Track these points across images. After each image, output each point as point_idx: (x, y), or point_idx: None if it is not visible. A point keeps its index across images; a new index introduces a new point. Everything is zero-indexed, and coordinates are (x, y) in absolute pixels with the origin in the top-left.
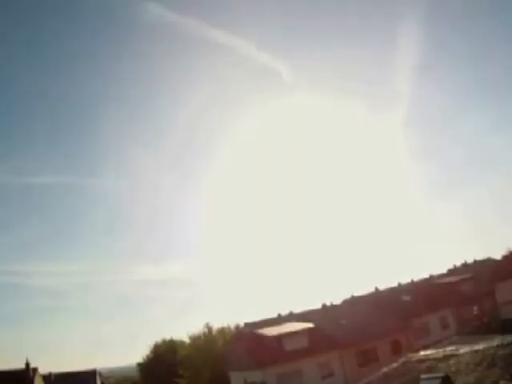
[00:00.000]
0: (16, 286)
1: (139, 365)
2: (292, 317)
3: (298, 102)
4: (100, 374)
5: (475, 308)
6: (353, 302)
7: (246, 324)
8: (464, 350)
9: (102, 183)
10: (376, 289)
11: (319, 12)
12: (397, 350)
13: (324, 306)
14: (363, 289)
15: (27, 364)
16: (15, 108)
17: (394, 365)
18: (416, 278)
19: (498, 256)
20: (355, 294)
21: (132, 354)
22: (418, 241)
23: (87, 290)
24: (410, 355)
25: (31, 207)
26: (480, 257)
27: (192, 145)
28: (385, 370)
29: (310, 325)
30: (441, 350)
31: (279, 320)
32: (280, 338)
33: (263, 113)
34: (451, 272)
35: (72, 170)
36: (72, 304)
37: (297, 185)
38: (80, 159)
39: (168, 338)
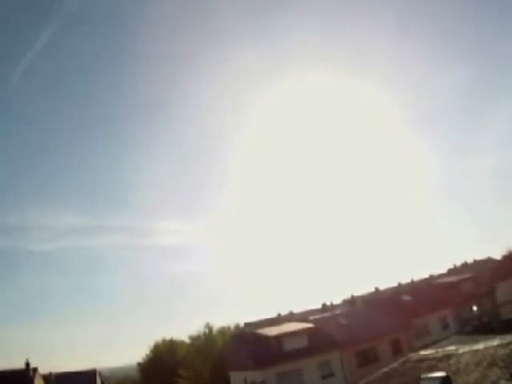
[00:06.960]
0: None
1: (139, 364)
2: (292, 316)
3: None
4: (100, 374)
5: (475, 308)
6: (353, 302)
7: (245, 324)
8: (464, 349)
9: None
10: (376, 289)
11: None
12: (397, 349)
13: (324, 305)
14: (363, 289)
15: (27, 364)
16: None
17: (394, 364)
18: (416, 278)
19: (497, 256)
20: (355, 294)
21: (132, 353)
22: (418, 240)
23: (91, 259)
24: (410, 355)
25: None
26: (480, 257)
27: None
28: (385, 369)
29: (310, 325)
30: (441, 349)
31: (279, 320)
32: (280, 337)
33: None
34: (451, 272)
35: None
36: (72, 284)
37: (297, 184)
38: None
39: (168, 337)
